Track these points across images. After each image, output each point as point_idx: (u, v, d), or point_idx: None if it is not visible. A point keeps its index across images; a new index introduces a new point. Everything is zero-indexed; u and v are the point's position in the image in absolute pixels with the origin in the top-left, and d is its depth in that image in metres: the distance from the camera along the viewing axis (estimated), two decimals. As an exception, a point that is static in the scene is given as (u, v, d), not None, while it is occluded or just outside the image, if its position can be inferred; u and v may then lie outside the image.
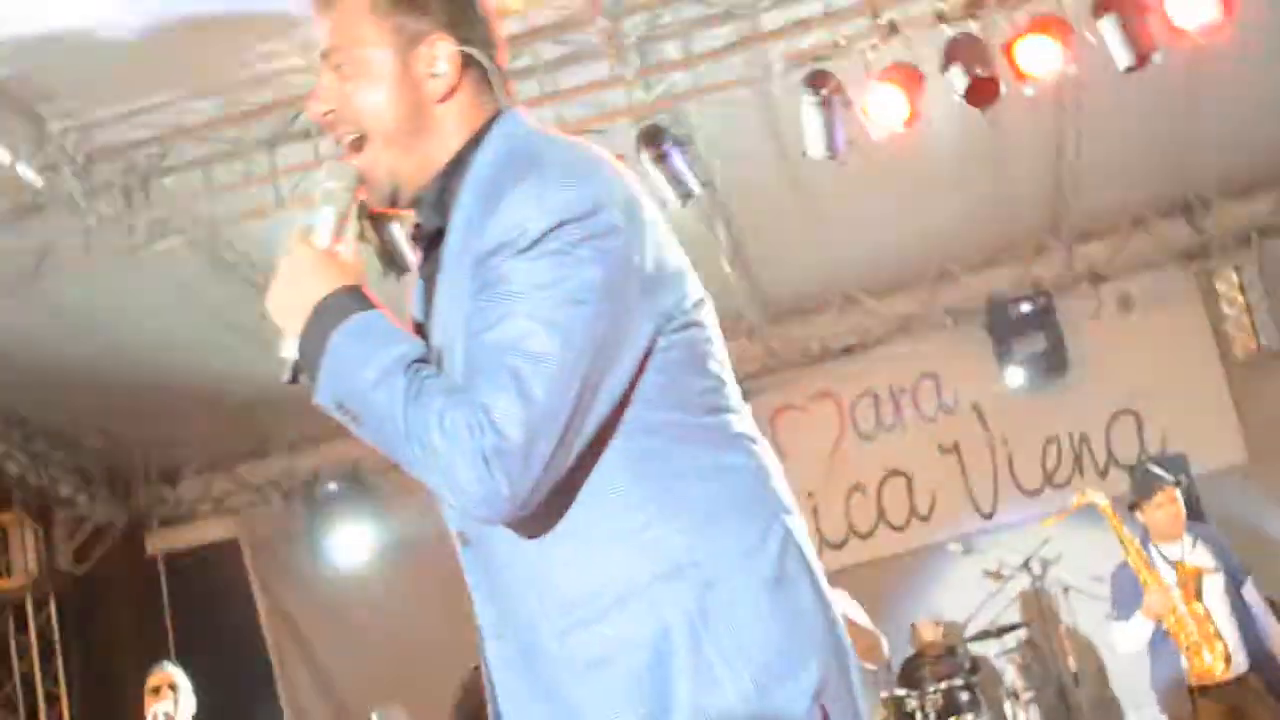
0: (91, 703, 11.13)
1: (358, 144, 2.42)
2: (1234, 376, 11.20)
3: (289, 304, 2.37)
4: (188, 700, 8.01)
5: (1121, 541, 7.23)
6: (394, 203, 2.49)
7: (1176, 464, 8.24)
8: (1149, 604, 7.05)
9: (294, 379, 2.37)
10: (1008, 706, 9.90)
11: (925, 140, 8.37)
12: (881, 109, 7.93)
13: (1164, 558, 7.23)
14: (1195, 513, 8.66)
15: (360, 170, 2.44)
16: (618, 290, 2.23)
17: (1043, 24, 7.78)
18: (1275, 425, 10.75)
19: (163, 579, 12.18)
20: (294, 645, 11.98)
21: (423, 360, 2.29)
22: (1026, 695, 9.90)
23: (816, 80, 7.88)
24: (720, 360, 2.42)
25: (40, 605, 11.33)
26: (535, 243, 2.18)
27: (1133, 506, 7.39)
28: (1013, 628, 10.78)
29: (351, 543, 11.69)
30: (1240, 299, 11.00)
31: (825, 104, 7.90)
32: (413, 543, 11.19)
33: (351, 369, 2.28)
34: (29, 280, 8.52)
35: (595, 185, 2.27)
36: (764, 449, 2.43)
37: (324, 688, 11.55)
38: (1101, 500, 7.33)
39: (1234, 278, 11.04)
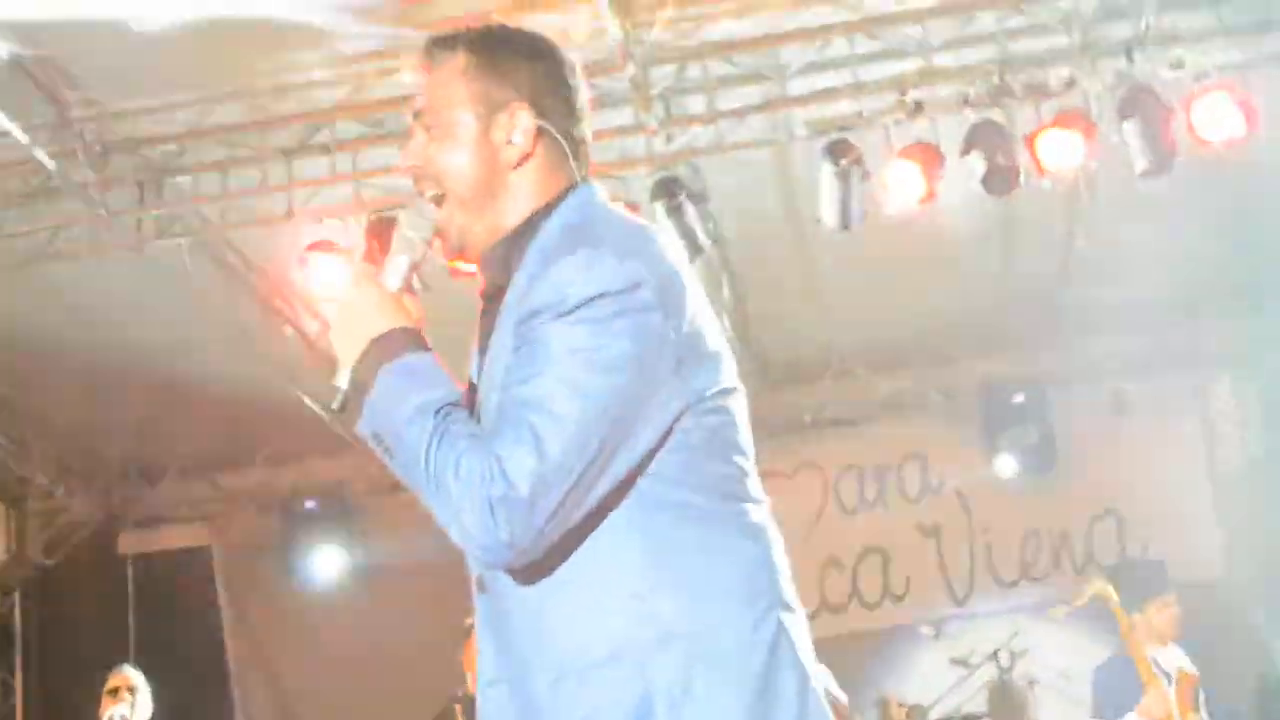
0: (46, 694, 11.10)
1: (438, 200, 2.54)
2: (1219, 488, 11.21)
3: (350, 336, 2.48)
4: (145, 704, 7.96)
5: (1125, 638, 7.17)
6: (462, 258, 2.61)
7: (1156, 569, 8.22)
8: (1147, 706, 7.00)
9: (342, 407, 2.50)
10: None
11: (936, 219, 8.38)
12: (899, 185, 7.98)
13: (1157, 662, 7.21)
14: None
15: (437, 225, 2.55)
16: (647, 365, 2.32)
17: (1067, 119, 7.83)
18: (1256, 539, 10.77)
19: (130, 580, 12.14)
20: (255, 660, 11.94)
21: (456, 405, 2.39)
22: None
23: (838, 149, 7.92)
24: (745, 450, 2.51)
25: (5, 593, 11.32)
26: (574, 309, 2.28)
27: (1132, 600, 7.35)
28: (977, 718, 10.77)
29: (324, 563, 11.65)
30: (1234, 412, 11.04)
31: (844, 174, 7.94)
32: (386, 569, 11.22)
33: (392, 404, 2.39)
34: (33, 263, 8.54)
35: (641, 263, 2.36)
36: (777, 545, 2.49)
37: (281, 707, 11.51)
38: (1114, 595, 7.28)
39: (1228, 387, 11.09)
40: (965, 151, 7.92)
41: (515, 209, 2.53)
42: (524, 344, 2.34)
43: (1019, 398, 11.39)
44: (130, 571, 12.15)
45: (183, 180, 8.41)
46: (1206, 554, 10.88)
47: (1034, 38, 7.94)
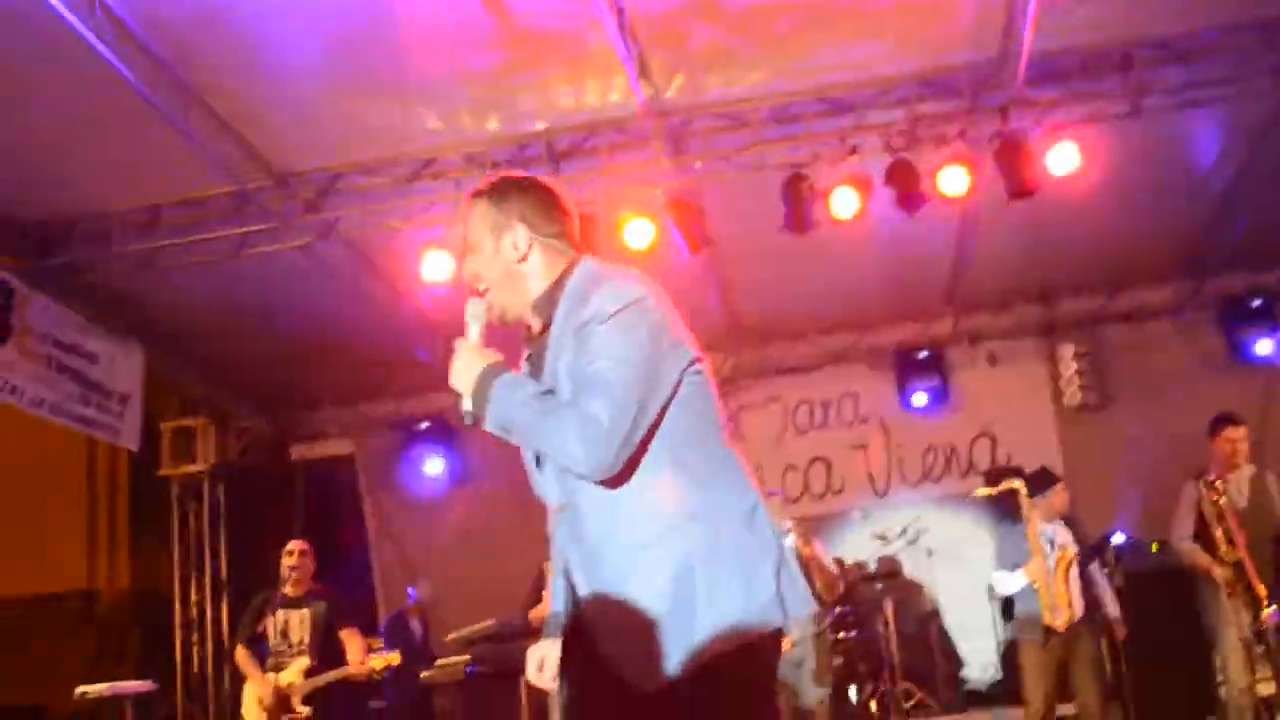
0: (240, 554, 11.21)
1: (484, 292, 2.94)
2: (1061, 419, 11.20)
3: (464, 378, 2.83)
4: (309, 564, 8.02)
5: (1027, 518, 7.10)
6: (505, 322, 2.96)
7: (1017, 473, 8.25)
8: (1032, 568, 6.98)
9: (474, 423, 2.83)
10: (880, 628, 9.93)
11: (867, 227, 8.34)
12: (842, 203, 7.97)
13: (1045, 535, 7.13)
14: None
15: (487, 304, 2.93)
16: (658, 346, 2.71)
17: (957, 159, 7.81)
18: (1086, 456, 10.75)
19: (299, 478, 12.32)
20: (387, 535, 11.98)
21: (548, 392, 2.76)
22: (895, 622, 9.93)
23: (796, 181, 7.92)
24: (715, 398, 2.86)
25: (214, 485, 11.41)
26: (610, 317, 2.68)
27: (1033, 493, 7.24)
28: (892, 575, 10.84)
29: (434, 467, 11.66)
30: (1073, 366, 11.04)
31: (802, 196, 7.95)
32: (478, 473, 11.29)
33: (506, 403, 2.76)
34: (236, 258, 8.56)
35: (641, 285, 2.76)
36: (742, 456, 2.86)
37: (406, 567, 11.58)
38: (1023, 488, 7.20)
39: (1070, 350, 11.08)
40: (887, 181, 7.91)
41: (532, 285, 2.90)
42: (582, 342, 2.69)
43: (923, 355, 11.38)
44: (300, 472, 12.32)
45: (337, 198, 8.36)
46: (1052, 462, 10.82)
47: (936, 102, 7.88)
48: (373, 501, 12.04)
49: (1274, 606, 6.74)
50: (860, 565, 10.97)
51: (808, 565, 7.34)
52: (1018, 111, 7.72)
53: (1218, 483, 7.10)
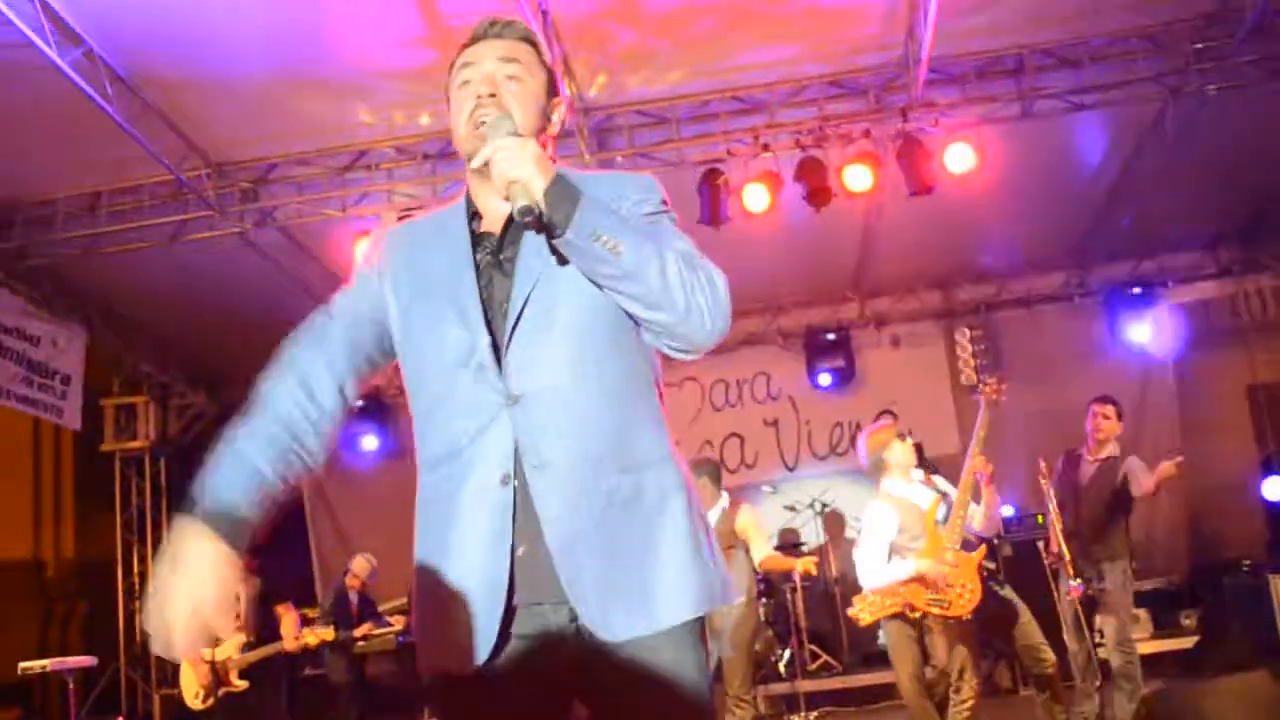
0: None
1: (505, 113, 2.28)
2: (958, 396, 11.31)
3: (527, 168, 2.12)
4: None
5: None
6: (480, 170, 2.31)
7: (918, 447, 8.33)
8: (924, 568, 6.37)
9: (535, 221, 2.12)
10: (787, 596, 10.02)
11: (779, 219, 8.38)
12: (754, 198, 7.99)
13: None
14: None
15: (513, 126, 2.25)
16: None
17: (862, 156, 7.86)
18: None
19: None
20: (323, 510, 11.86)
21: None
22: (804, 586, 10.02)
23: (711, 176, 7.93)
24: None
25: (155, 460, 11.24)
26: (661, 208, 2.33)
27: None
28: (799, 544, 10.94)
29: (369, 443, 11.56)
30: (969, 347, 11.16)
31: (717, 191, 7.96)
32: (410, 447, 11.16)
33: (600, 211, 2.13)
34: (168, 248, 8.42)
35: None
36: None
37: (341, 540, 11.49)
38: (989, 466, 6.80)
39: (966, 333, 11.18)
40: (796, 178, 7.96)
41: (543, 168, 2.23)
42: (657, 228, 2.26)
43: (830, 336, 11.45)
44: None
45: (273, 188, 8.25)
46: (949, 437, 11.01)
47: (844, 103, 7.93)
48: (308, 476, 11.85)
49: (1077, 581, 6.81)
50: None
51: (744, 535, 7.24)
52: (918, 113, 7.80)
53: (1044, 465, 7.17)
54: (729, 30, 7.23)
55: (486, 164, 2.18)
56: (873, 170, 7.81)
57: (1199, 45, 7.54)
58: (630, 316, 2.23)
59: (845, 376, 11.44)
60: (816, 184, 7.87)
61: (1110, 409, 7.45)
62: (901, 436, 6.61)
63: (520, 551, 2.16)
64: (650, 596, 2.16)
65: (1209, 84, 7.61)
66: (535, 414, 2.18)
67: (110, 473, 11.24)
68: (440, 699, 2.25)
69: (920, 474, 6.57)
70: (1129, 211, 9.75)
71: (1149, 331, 10.96)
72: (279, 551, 9.52)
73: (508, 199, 2.16)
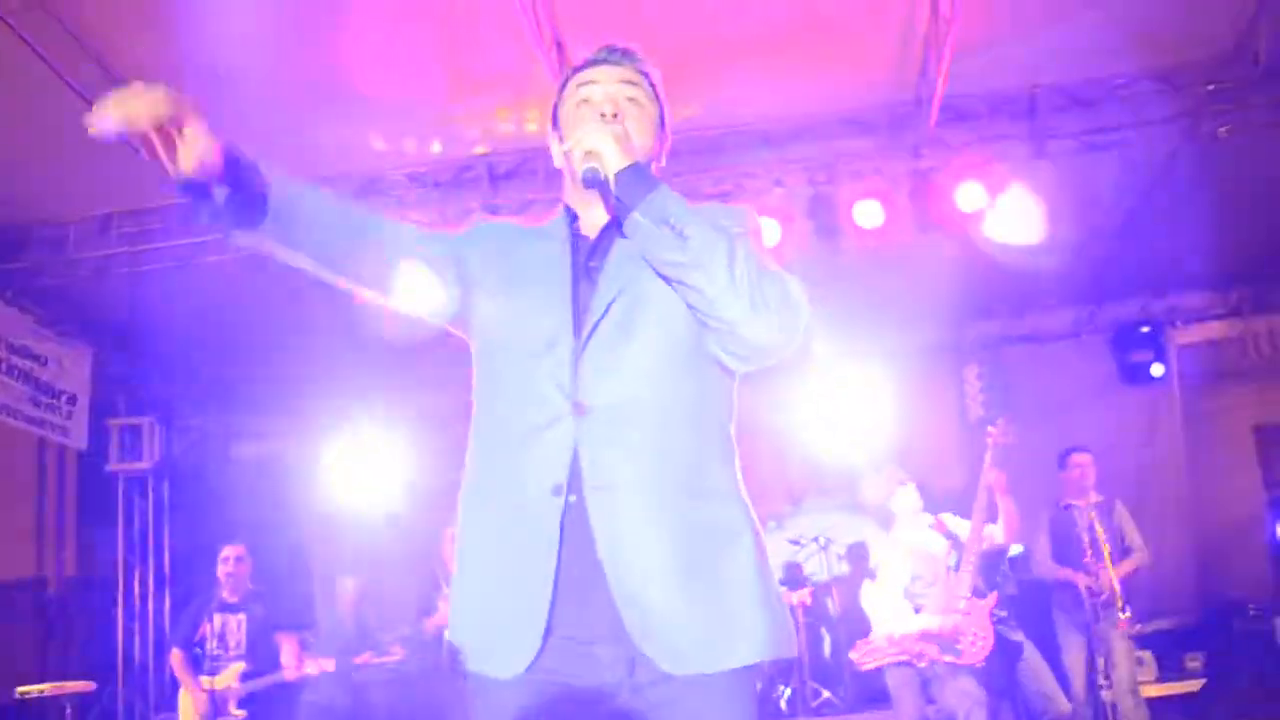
0: (184, 549, 11.00)
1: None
2: (965, 433, 11.23)
3: (612, 144, 2.19)
4: (245, 568, 7.89)
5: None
6: (589, 172, 2.34)
7: (922, 486, 8.27)
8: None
9: (595, 182, 2.20)
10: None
11: (789, 255, 8.26)
12: (766, 233, 7.92)
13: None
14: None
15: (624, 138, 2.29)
16: None
17: (874, 193, 7.86)
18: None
19: (242, 475, 12.06)
20: (322, 531, 11.75)
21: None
22: (805, 622, 9.94)
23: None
24: None
25: (159, 482, 11.20)
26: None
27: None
28: (804, 579, 10.86)
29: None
30: (976, 384, 11.17)
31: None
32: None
33: (673, 199, 2.15)
34: (184, 271, 8.38)
35: None
36: None
37: (340, 567, 11.36)
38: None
39: (974, 370, 11.20)
40: (808, 215, 7.98)
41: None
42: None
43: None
44: (242, 471, 12.08)
45: None
46: (953, 473, 10.81)
47: (856, 140, 7.94)
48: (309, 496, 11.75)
49: (1127, 613, 6.86)
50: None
51: None
52: (930, 151, 7.79)
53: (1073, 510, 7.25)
54: (743, 66, 7.21)
55: (590, 172, 2.19)
56: (883, 208, 7.81)
57: (1212, 86, 7.53)
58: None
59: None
60: (829, 220, 7.90)
61: (1087, 457, 7.83)
62: (902, 482, 6.62)
63: (569, 574, 2.08)
64: (721, 633, 2.09)
65: (1223, 125, 7.59)
66: (604, 429, 2.13)
67: (113, 493, 11.21)
68: (476, 701, 2.19)
69: (930, 518, 6.57)
70: (1138, 249, 9.71)
71: (1159, 370, 10.92)
72: (281, 577, 9.48)
73: (582, 175, 2.20)
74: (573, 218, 2.43)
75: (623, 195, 2.15)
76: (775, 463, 11.64)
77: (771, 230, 7.91)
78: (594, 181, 2.18)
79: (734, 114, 7.75)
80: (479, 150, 7.90)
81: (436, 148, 7.85)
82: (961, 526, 6.88)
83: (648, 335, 2.19)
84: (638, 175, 2.16)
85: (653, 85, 2.45)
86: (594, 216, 2.38)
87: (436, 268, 2.36)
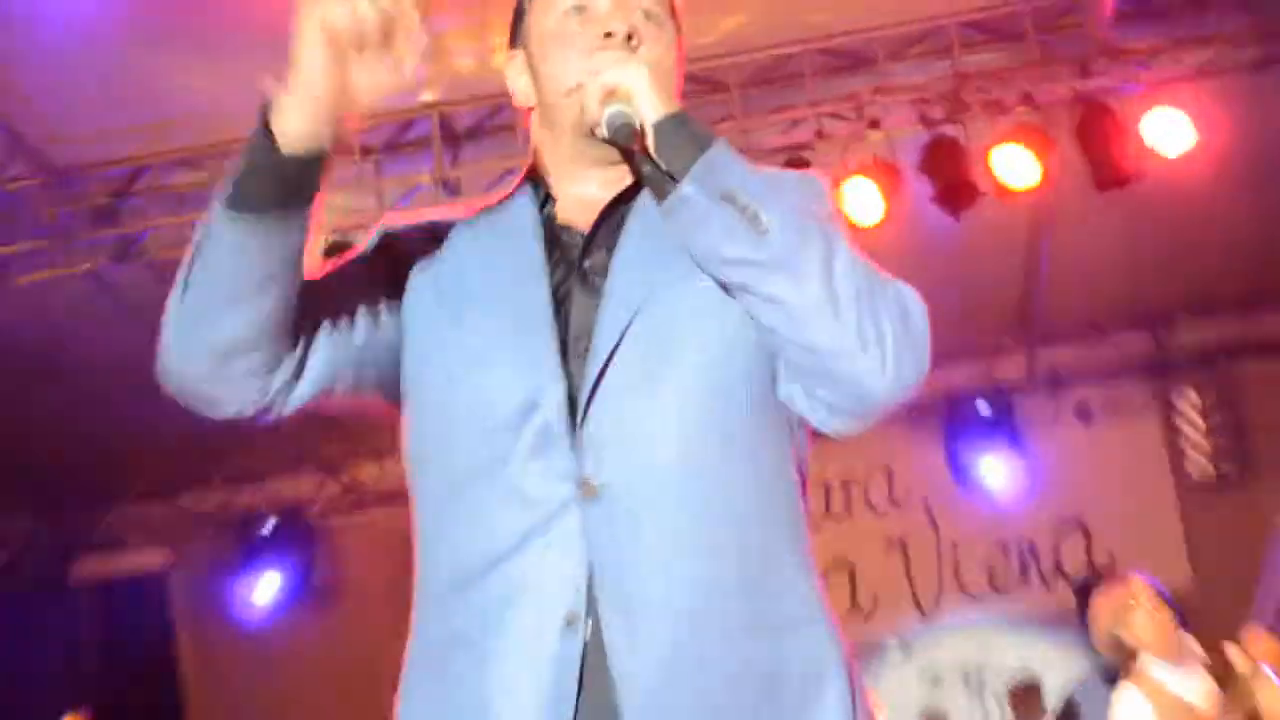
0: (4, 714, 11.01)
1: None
2: (1186, 499, 11.37)
3: (645, 78, 2.17)
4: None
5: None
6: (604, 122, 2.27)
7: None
8: None
9: (626, 139, 2.16)
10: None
11: (899, 232, 8.35)
12: (859, 202, 8.05)
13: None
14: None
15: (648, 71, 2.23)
16: None
17: (1022, 133, 7.94)
18: (1223, 554, 10.69)
19: (87, 603, 12.14)
20: (212, 684, 11.91)
21: None
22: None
23: (794, 169, 8.05)
24: None
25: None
26: None
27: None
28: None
29: (283, 584, 11.63)
30: (1198, 420, 11.15)
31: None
32: (345, 589, 11.28)
33: (740, 164, 2.14)
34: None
35: None
36: None
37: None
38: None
39: (1193, 398, 11.18)
40: (922, 168, 8.09)
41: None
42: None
43: (984, 407, 11.46)
44: (88, 596, 12.13)
45: (140, 203, 8.40)
46: (1173, 563, 10.88)
47: (989, 52, 8.11)
48: (190, 637, 12.02)
49: None
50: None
51: None
52: (1104, 65, 7.97)
53: None
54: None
55: (618, 120, 2.16)
56: (1037, 153, 7.89)
57: None
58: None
59: (1008, 469, 11.45)
60: (953, 177, 8.00)
61: None
62: (1135, 598, 6.64)
63: None
64: None
65: None
66: (622, 521, 2.08)
67: None
68: None
69: (1194, 645, 6.63)
70: None
71: None
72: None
73: (594, 124, 2.19)
74: (544, 198, 2.42)
75: (667, 158, 2.11)
76: (888, 549, 11.85)
77: (868, 198, 8.09)
78: (625, 135, 2.14)
79: (805, 24, 7.93)
80: (426, 98, 8.10)
81: (363, 96, 8.04)
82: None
83: (684, 374, 2.15)
84: (686, 128, 2.12)
85: None
86: (582, 193, 2.38)
87: (349, 352, 2.33)
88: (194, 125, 8.03)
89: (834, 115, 8.19)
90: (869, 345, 2.10)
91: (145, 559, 12.15)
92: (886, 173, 8.10)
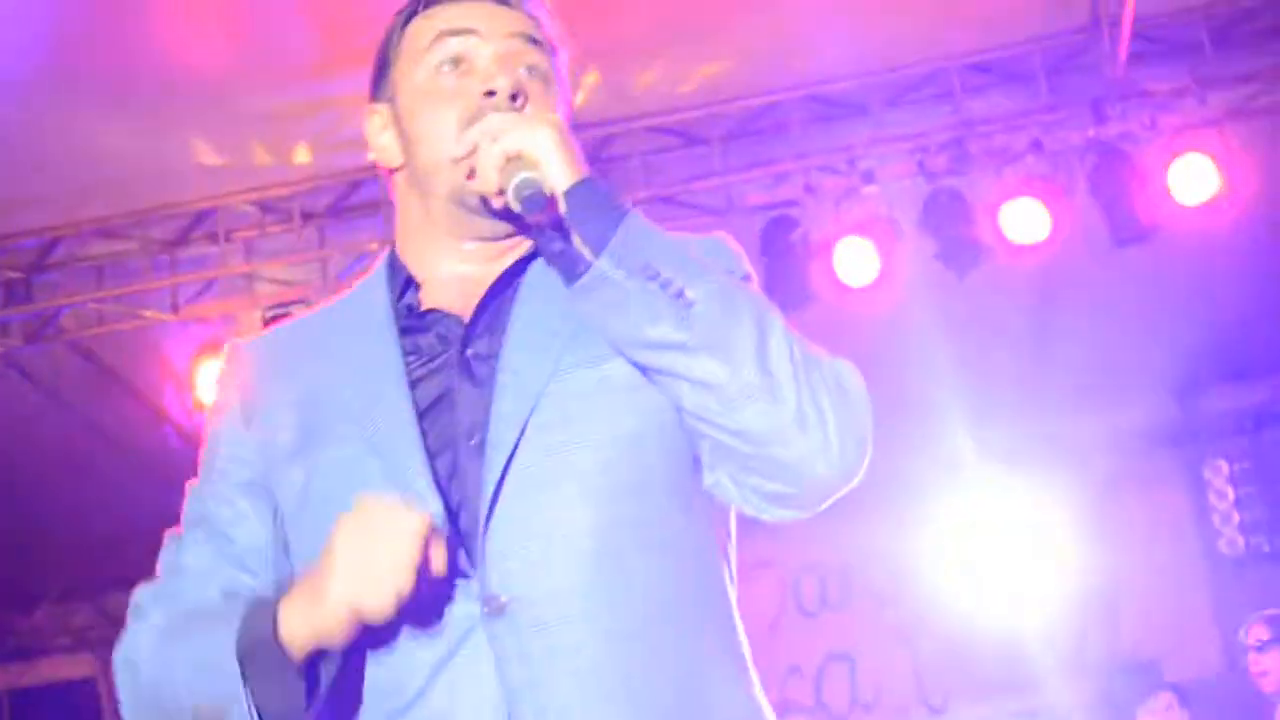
0: None
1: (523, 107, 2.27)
2: (1217, 574, 11.31)
3: (551, 140, 2.12)
4: None
5: None
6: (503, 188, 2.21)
7: (1150, 670, 8.28)
8: None
9: (539, 209, 2.09)
10: None
11: (896, 294, 8.36)
12: (853, 262, 8.01)
13: None
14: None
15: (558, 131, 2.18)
16: None
17: (1032, 186, 7.92)
18: None
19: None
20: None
21: None
22: None
23: (780, 229, 8.00)
24: None
25: None
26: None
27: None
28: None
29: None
30: (1229, 492, 11.15)
31: (789, 254, 8.02)
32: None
33: (655, 234, 2.10)
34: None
35: None
36: None
37: None
38: None
39: (1223, 467, 11.18)
40: (923, 224, 8.03)
41: None
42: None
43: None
44: (6, 711, 12.11)
45: (56, 277, 8.37)
46: (1203, 650, 10.96)
47: (995, 97, 8.09)
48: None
49: None
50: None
51: None
52: (1119, 107, 7.92)
53: None
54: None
55: (527, 189, 2.11)
56: (1048, 206, 7.86)
57: None
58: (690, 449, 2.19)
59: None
60: (956, 233, 7.96)
61: None
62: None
63: None
64: None
65: None
66: (532, 640, 2.06)
67: None
68: None
69: None
70: None
71: None
72: None
73: (498, 192, 2.13)
74: (406, 282, 2.38)
75: (582, 230, 2.08)
76: (893, 640, 11.74)
77: (862, 258, 7.99)
78: (536, 205, 2.09)
79: (792, 69, 7.91)
80: (372, 157, 7.97)
81: (303, 156, 7.96)
82: None
83: (593, 466, 2.13)
84: (596, 197, 2.10)
85: (551, 42, 2.42)
86: (456, 270, 2.35)
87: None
88: (117, 187, 7.97)
89: (824, 168, 8.14)
90: (809, 428, 2.06)
91: (71, 668, 11.99)
92: (883, 230, 8.03)
